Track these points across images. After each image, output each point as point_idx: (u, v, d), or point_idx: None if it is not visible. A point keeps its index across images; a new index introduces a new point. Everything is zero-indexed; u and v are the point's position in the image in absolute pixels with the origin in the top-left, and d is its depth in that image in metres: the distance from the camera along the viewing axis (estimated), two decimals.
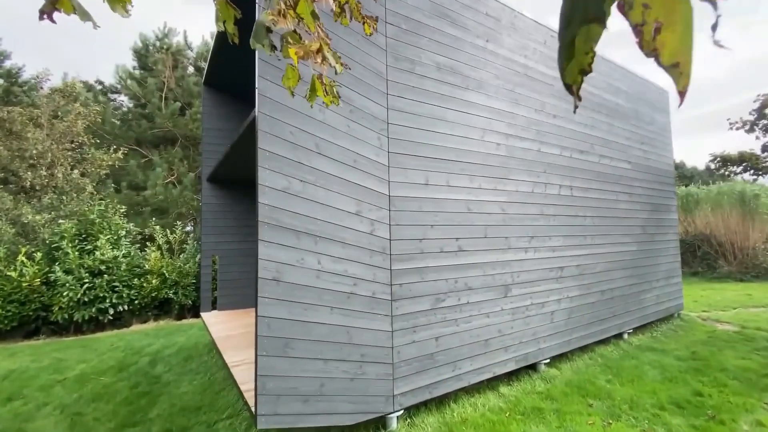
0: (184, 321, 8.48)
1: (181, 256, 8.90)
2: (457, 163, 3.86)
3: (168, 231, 9.19)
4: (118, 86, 14.62)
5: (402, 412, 3.31)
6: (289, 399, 2.69)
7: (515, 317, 4.28)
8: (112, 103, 14.16)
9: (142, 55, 14.33)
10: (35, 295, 7.00)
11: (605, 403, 3.78)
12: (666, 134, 7.14)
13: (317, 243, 2.91)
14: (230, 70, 6.01)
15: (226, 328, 5.24)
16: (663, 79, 7.11)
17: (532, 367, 4.55)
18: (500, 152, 4.30)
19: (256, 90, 2.73)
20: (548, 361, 4.67)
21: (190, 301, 8.59)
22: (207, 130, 6.58)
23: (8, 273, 6.74)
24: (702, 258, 12.87)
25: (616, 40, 5.20)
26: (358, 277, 3.08)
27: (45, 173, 8.49)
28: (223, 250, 6.51)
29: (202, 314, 6.20)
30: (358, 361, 3.04)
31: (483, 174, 4.09)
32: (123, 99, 14.98)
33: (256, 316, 2.61)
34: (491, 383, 4.15)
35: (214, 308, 6.54)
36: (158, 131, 13.35)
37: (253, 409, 2.66)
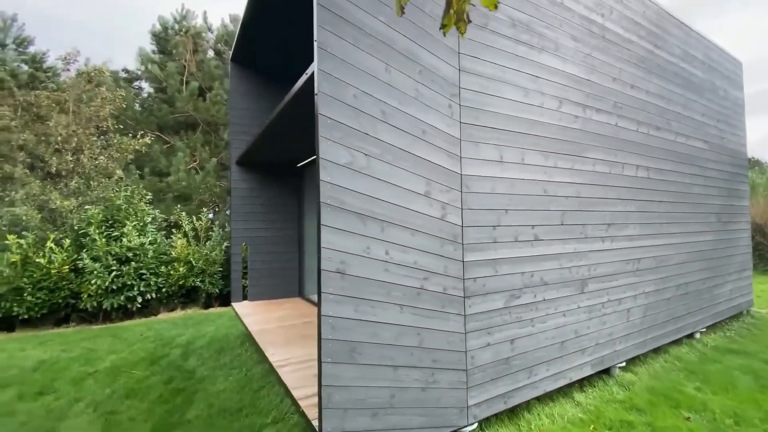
0: (212, 310, 8.25)
1: (207, 243, 8.64)
2: (531, 138, 3.32)
3: (194, 218, 8.92)
4: (139, 72, 14.40)
5: (476, 425, 2.87)
6: (357, 413, 2.28)
7: (591, 316, 3.76)
8: (133, 89, 13.92)
9: (161, 38, 14.01)
10: (64, 283, 6.82)
11: (704, 417, 3.26)
12: (740, 111, 6.37)
13: (384, 229, 2.45)
14: (261, 45, 5.54)
15: (261, 321, 4.89)
16: (734, 49, 6.30)
17: (606, 372, 4.04)
18: (576, 126, 3.73)
19: (315, 43, 2.25)
20: (623, 364, 4.15)
21: (216, 290, 8.33)
22: (234, 110, 6.17)
23: (37, 260, 6.55)
24: (755, 249, 11.97)
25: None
26: (428, 270, 2.62)
27: (71, 158, 8.27)
28: (253, 237, 6.16)
29: (234, 304, 5.88)
30: (430, 368, 2.59)
31: (559, 151, 3.54)
32: (144, 85, 14.78)
33: (319, 315, 2.18)
34: (564, 390, 3.67)
35: (244, 298, 6.22)
36: (179, 116, 13.08)
37: (315, 423, 2.26)
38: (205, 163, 12.49)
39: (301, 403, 2.53)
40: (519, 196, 3.18)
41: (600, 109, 4.00)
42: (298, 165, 6.48)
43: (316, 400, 2.55)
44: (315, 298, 6.04)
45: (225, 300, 8.69)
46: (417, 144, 2.63)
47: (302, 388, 2.78)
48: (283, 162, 6.27)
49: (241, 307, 5.67)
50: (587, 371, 3.75)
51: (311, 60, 2.32)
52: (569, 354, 3.56)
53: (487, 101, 3.02)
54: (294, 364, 3.32)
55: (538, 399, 3.43)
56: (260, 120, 6.06)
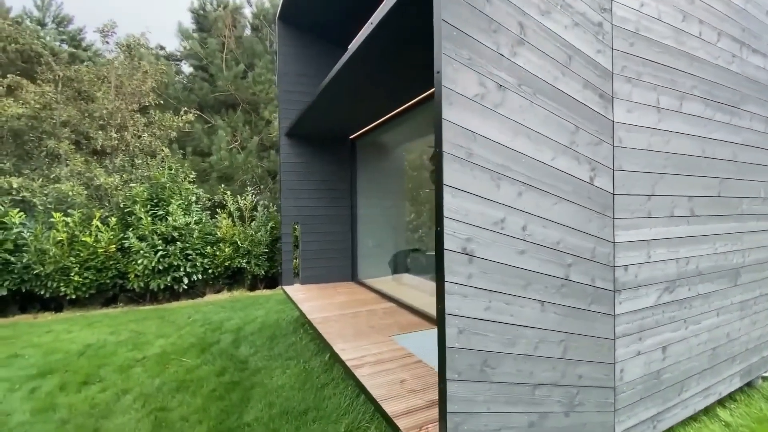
0: (258, 292, 7.92)
1: (252, 224, 8.27)
2: (690, 79, 2.47)
3: (238, 197, 8.57)
4: (178, 53, 14.20)
5: None
6: None
7: (743, 315, 2.92)
8: (174, 64, 13.72)
9: (200, 15, 13.67)
10: (111, 262, 6.63)
11: None
12: None
13: (521, 195, 1.74)
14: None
15: (319, 308, 4.36)
16: None
17: (747, 383, 3.20)
18: (734, 68, 2.81)
19: None
20: (767, 374, 3.29)
21: (262, 272, 7.98)
22: (283, 75, 5.56)
23: (84, 238, 6.36)
24: None
25: None
26: (574, 254, 1.90)
27: (115, 135, 8.06)
28: (305, 216, 5.62)
29: (285, 288, 5.41)
30: (575, 386, 1.90)
31: (717, 99, 2.66)
32: (182, 65, 14.60)
33: (443, 314, 1.53)
34: (707, 408, 2.88)
35: (296, 282, 5.75)
36: (220, 95, 12.77)
37: None
38: (246, 143, 12.17)
39: (400, 424, 1.91)
40: (676, 156, 2.36)
41: (756, 50, 3.04)
42: (351, 137, 5.84)
43: (417, 419, 1.94)
44: (371, 282, 5.45)
45: (270, 282, 8.36)
46: (561, 74, 1.87)
47: (393, 401, 2.17)
48: (336, 134, 5.65)
49: (294, 291, 5.18)
50: (736, 384, 2.94)
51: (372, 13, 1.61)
52: (719, 363, 2.75)
53: (644, 23, 2.19)
54: (372, 364, 2.72)
55: (682, 421, 2.67)
56: (312, 85, 5.43)
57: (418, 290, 4.93)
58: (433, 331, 3.52)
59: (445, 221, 1.52)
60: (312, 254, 5.64)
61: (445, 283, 1.52)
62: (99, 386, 3.64)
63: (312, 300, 4.71)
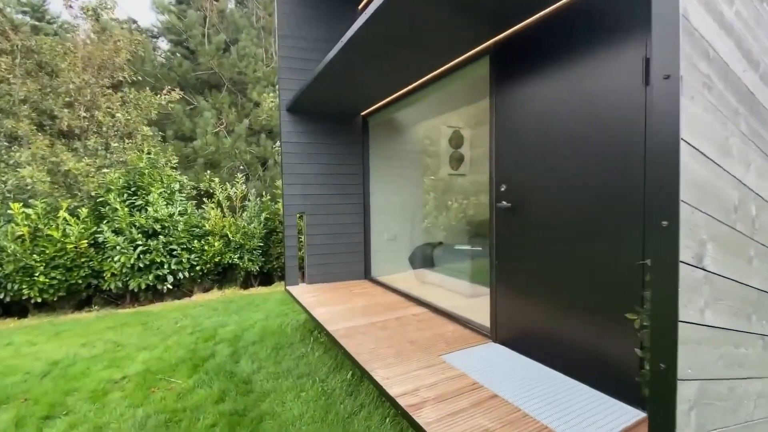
0: (252, 290, 7.15)
1: (243, 214, 7.44)
2: None
3: (228, 185, 7.70)
4: (155, 29, 12.98)
5: None
6: None
7: None
8: (150, 38, 12.51)
9: None
10: (83, 260, 5.75)
11: None
12: None
13: (760, 166, 1.05)
14: None
15: (337, 315, 3.65)
16: None
17: None
18: None
19: None
20: None
21: (256, 268, 7.20)
22: (284, 38, 4.73)
23: (49, 232, 5.46)
24: None
25: None
26: None
27: (85, 114, 7.05)
28: (311, 205, 4.87)
29: (290, 288, 4.68)
30: None
31: None
32: (160, 42, 13.39)
33: (665, 380, 0.84)
34: None
35: (302, 280, 5.02)
36: (202, 73, 11.70)
37: None
38: (232, 126, 11.19)
39: None
40: None
41: None
42: (363, 113, 5.07)
43: None
44: (389, 281, 4.76)
45: (265, 279, 7.59)
46: None
47: None
48: (346, 109, 4.87)
49: (301, 293, 4.46)
50: None
51: None
52: None
53: None
54: (434, 402, 2.05)
55: None
56: (317, 51, 4.63)
57: (448, 290, 4.27)
58: (489, 347, 2.87)
59: (682, 209, 0.82)
60: (319, 249, 4.90)
61: (679, 323, 0.83)
62: (65, 422, 2.86)
63: (325, 304, 4.00)
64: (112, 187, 6.03)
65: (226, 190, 7.59)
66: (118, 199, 5.94)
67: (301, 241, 5.14)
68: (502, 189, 2.79)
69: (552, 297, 2.43)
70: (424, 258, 4.77)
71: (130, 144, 7.23)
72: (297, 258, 4.88)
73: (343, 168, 5.02)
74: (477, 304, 3.82)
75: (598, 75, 2.11)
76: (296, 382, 3.37)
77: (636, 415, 1.86)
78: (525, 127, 2.60)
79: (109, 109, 7.32)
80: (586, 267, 2.19)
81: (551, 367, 2.42)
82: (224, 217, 7.17)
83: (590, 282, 2.17)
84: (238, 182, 7.84)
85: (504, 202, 2.77)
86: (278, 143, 8.83)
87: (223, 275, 7.26)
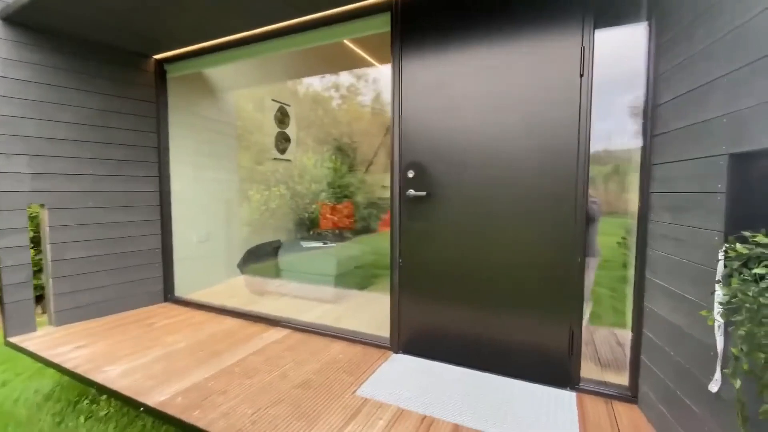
0: None
1: None
2: None
3: None
4: None
5: None
6: None
7: None
8: None
9: None
10: None
11: None
12: None
13: None
14: None
15: (144, 372, 2.24)
16: None
17: None
18: None
19: None
20: None
21: None
22: None
23: None
24: None
25: None
26: None
27: None
28: (57, 193, 2.90)
29: (16, 341, 2.62)
30: None
31: None
32: None
33: None
34: None
35: (43, 322, 2.92)
36: None
37: None
38: None
39: None
40: None
41: None
42: (157, 56, 3.44)
43: None
44: (209, 299, 3.43)
45: None
46: None
47: None
48: (127, 43, 3.14)
49: (50, 344, 2.55)
50: None
51: None
52: None
53: None
54: None
55: None
56: None
57: (305, 300, 3.48)
58: (397, 360, 2.33)
59: None
60: (80, 265, 3.01)
61: None
62: None
63: (114, 357, 2.41)
64: None
65: None
66: None
67: (39, 255, 3.01)
68: (410, 176, 2.34)
69: (468, 296, 2.20)
70: (262, 262, 3.72)
71: None
72: (30, 284, 2.81)
73: (126, 136, 3.25)
74: (349, 311, 3.25)
75: (538, 61, 1.98)
76: None
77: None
78: (437, 107, 2.23)
79: None
80: (506, 260, 2.07)
81: (478, 369, 2.21)
82: None
83: (513, 277, 2.07)
84: None
85: (412, 191, 2.33)
86: None
87: None
